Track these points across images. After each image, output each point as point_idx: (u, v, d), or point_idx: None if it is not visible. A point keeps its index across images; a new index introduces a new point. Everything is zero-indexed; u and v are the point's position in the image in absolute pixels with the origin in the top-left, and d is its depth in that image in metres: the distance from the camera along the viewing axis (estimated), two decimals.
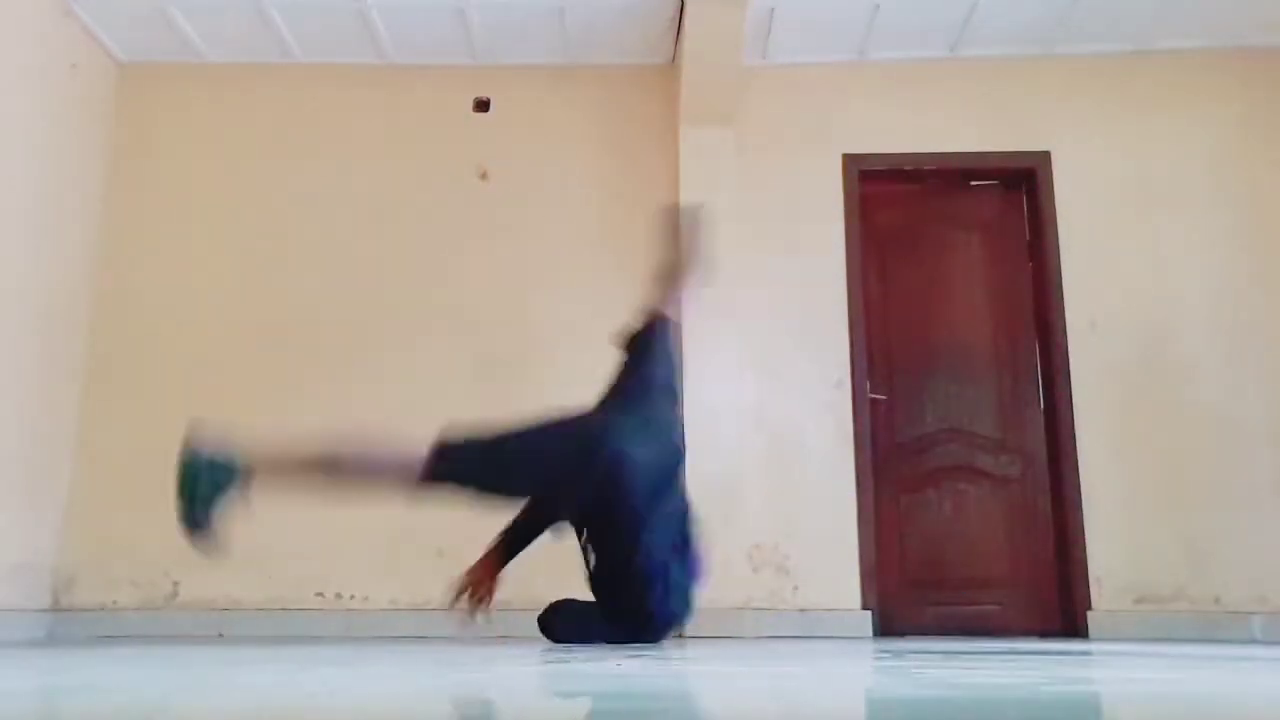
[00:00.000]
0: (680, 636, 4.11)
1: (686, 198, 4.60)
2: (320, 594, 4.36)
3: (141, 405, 4.51)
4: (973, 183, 4.85)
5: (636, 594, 2.80)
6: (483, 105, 4.84)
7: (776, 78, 4.81)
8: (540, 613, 3.06)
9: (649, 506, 2.73)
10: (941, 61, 4.81)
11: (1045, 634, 4.33)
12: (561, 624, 3.03)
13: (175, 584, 4.36)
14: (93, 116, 4.68)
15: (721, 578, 4.21)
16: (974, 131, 4.74)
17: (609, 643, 2.87)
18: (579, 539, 2.92)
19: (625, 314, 4.66)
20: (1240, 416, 4.42)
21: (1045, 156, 4.70)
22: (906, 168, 4.78)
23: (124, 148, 4.77)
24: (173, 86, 4.84)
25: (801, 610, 4.30)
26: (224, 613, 4.31)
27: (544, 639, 3.09)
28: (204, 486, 2.52)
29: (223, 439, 2.58)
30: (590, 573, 2.92)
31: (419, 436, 2.66)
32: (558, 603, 3.08)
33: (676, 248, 3.09)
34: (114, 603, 4.34)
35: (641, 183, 4.71)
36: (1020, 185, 4.78)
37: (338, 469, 2.63)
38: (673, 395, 3.03)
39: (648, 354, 2.98)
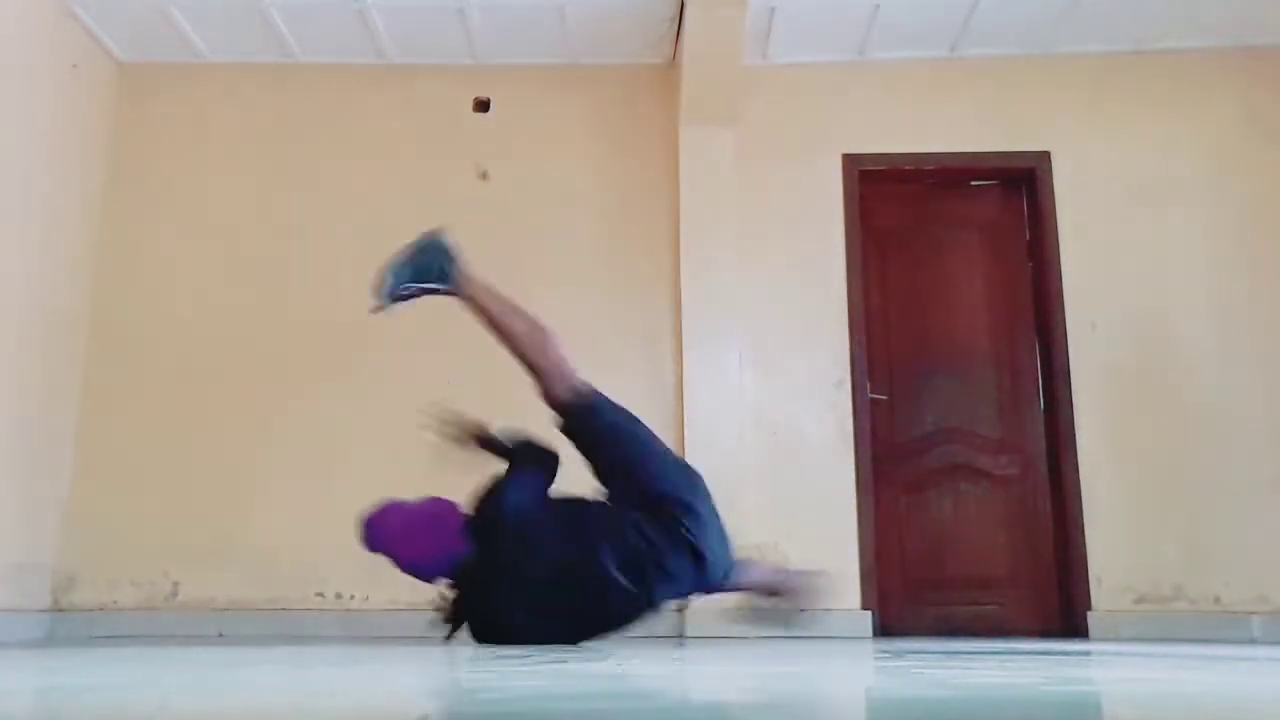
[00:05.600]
0: (680, 627, 4.11)
1: (686, 196, 4.60)
2: (320, 594, 4.35)
3: (141, 405, 4.52)
4: (973, 183, 4.85)
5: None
6: (483, 105, 4.84)
7: (776, 78, 4.81)
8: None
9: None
10: (941, 61, 4.81)
11: (1045, 634, 4.33)
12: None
13: (175, 584, 4.36)
14: (93, 116, 4.68)
15: None
16: (974, 131, 4.74)
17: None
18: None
19: (625, 314, 4.70)
20: (1240, 416, 4.42)
21: (1045, 156, 4.70)
22: (906, 168, 4.78)
23: (124, 148, 4.77)
24: (173, 86, 4.84)
25: (801, 610, 4.29)
26: (224, 613, 4.31)
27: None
28: (428, 267, 2.97)
29: (457, 250, 3.03)
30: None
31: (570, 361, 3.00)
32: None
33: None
34: (114, 603, 4.34)
35: (641, 183, 4.70)
36: (1020, 185, 4.78)
37: (514, 336, 2.96)
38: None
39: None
